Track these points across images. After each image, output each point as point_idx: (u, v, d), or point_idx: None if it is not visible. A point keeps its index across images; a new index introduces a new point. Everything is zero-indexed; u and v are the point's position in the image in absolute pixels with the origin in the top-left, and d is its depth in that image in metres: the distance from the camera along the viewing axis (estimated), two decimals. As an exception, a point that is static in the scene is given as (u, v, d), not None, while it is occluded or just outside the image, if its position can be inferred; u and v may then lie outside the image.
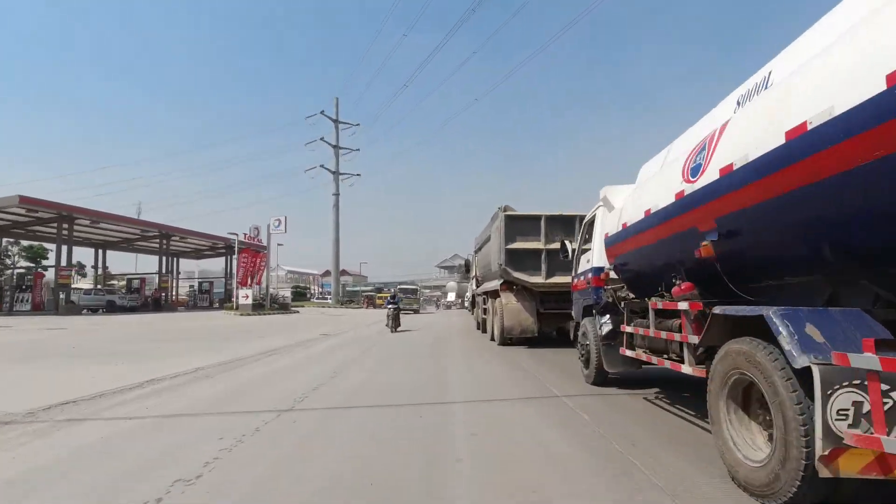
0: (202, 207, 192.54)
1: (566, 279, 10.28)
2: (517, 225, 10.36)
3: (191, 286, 45.30)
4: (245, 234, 44.99)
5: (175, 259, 45.83)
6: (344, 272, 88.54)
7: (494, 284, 11.63)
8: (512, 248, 10.25)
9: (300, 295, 57.18)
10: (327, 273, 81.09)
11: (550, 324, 11.06)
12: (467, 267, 19.26)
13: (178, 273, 46.58)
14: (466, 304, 53.87)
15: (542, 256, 10.23)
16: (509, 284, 10.67)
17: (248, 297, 30.61)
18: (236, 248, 32.54)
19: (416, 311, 35.60)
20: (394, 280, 65.70)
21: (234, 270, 33.97)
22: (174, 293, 45.36)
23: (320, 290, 74.02)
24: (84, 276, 58.44)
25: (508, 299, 10.50)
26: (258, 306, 32.71)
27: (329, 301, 57.04)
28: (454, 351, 10.57)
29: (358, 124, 65.61)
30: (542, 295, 10.69)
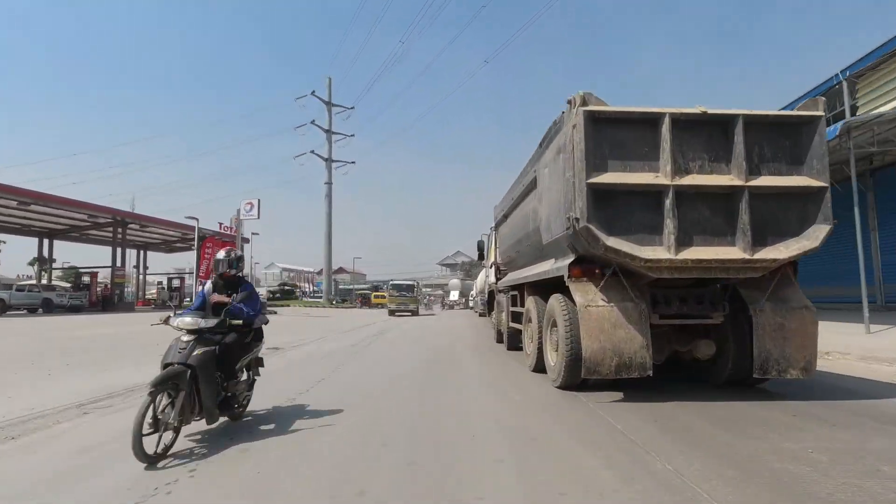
0: (188, 198, 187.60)
1: (734, 253, 4.78)
2: (611, 135, 4.81)
3: (159, 283, 39.92)
4: (222, 224, 39.69)
5: (143, 252, 40.53)
6: (341, 270, 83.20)
7: (550, 268, 6.09)
8: (601, 185, 4.71)
9: (288, 293, 51.74)
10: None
11: (663, 346, 5.52)
12: (480, 252, 13.70)
13: (147, 268, 41.27)
14: (471, 303, 48.18)
15: (668, 203, 4.70)
16: (590, 267, 5.14)
17: (209, 294, 25.11)
18: (196, 238, 27.07)
19: (413, 313, 29.36)
20: (393, 278, 60.15)
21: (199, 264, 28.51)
22: (139, 290, 40.09)
23: (313, 288, 68.62)
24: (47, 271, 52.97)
25: (589, 297, 4.94)
26: (224, 306, 27.28)
27: (320, 300, 51.67)
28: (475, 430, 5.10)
29: (352, 107, 60.15)
30: (653, 289, 5.17)
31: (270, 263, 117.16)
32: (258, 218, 28.54)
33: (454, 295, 56.48)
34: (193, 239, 30.28)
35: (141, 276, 41.02)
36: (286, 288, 52.76)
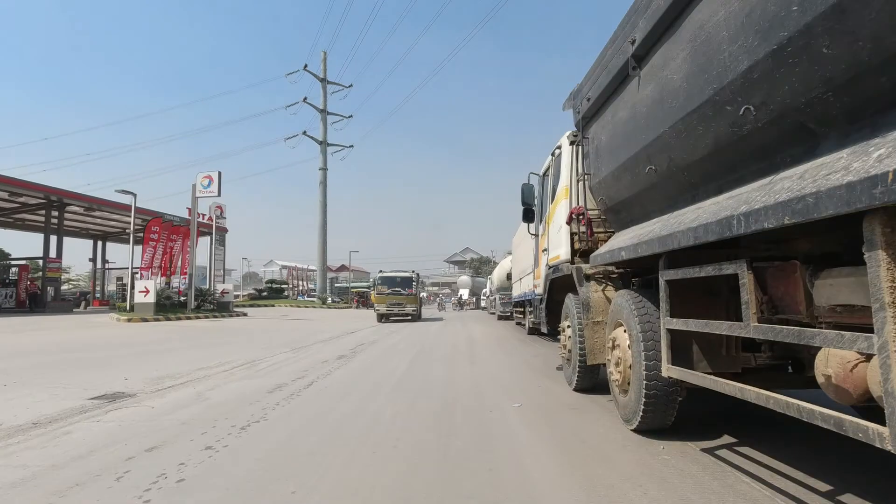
0: (170, 185, 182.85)
1: None
2: None
3: (118, 279, 34.25)
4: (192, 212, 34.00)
5: (101, 243, 34.92)
6: (343, 268, 77.16)
7: None
8: None
9: (277, 292, 45.95)
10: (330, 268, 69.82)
11: None
12: (527, 208, 7.15)
13: (107, 261, 35.61)
14: (484, 303, 42.16)
15: None
16: None
17: (147, 291, 19.32)
18: (132, 221, 21.12)
19: (413, 317, 21.26)
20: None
21: (142, 252, 22.68)
22: (95, 288, 34.56)
23: (308, 286, 62.79)
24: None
25: None
26: (172, 307, 21.49)
27: (314, 299, 45.87)
28: None
29: (350, 86, 54.28)
30: None
31: (269, 261, 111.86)
32: (219, 195, 22.63)
33: (464, 293, 50.45)
34: (157, 226, 24.42)
35: (102, 272, 35.43)
36: (274, 286, 46.92)
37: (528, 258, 13.48)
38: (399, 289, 20.64)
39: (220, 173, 22.34)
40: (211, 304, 24.24)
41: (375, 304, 20.57)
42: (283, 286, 48.21)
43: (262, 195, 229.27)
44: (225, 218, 34.62)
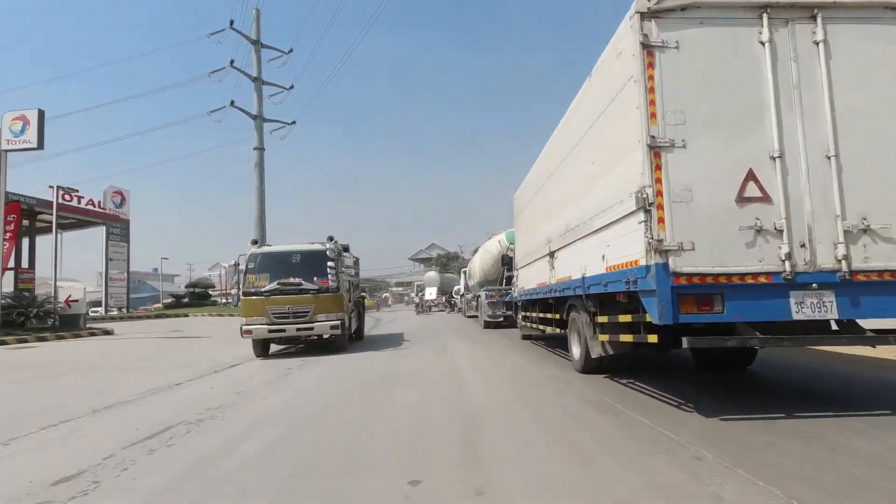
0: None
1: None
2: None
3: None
4: (55, 189, 25.45)
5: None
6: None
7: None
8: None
9: (200, 297, 37.17)
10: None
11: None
12: None
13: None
14: (459, 302, 34.76)
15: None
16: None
17: None
18: None
19: (337, 343, 10.02)
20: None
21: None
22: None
23: (250, 289, 53.84)
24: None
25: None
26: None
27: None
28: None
29: (290, 51, 45.47)
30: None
31: (215, 264, 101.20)
32: (40, 146, 14.31)
33: (430, 293, 42.86)
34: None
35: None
36: (198, 291, 38.05)
37: (561, 213, 6.20)
38: (297, 279, 9.52)
39: (40, 112, 13.99)
40: (48, 319, 15.89)
41: (245, 320, 9.38)
42: (208, 290, 39.40)
43: (207, 194, 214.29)
44: (121, 205, 25.92)
